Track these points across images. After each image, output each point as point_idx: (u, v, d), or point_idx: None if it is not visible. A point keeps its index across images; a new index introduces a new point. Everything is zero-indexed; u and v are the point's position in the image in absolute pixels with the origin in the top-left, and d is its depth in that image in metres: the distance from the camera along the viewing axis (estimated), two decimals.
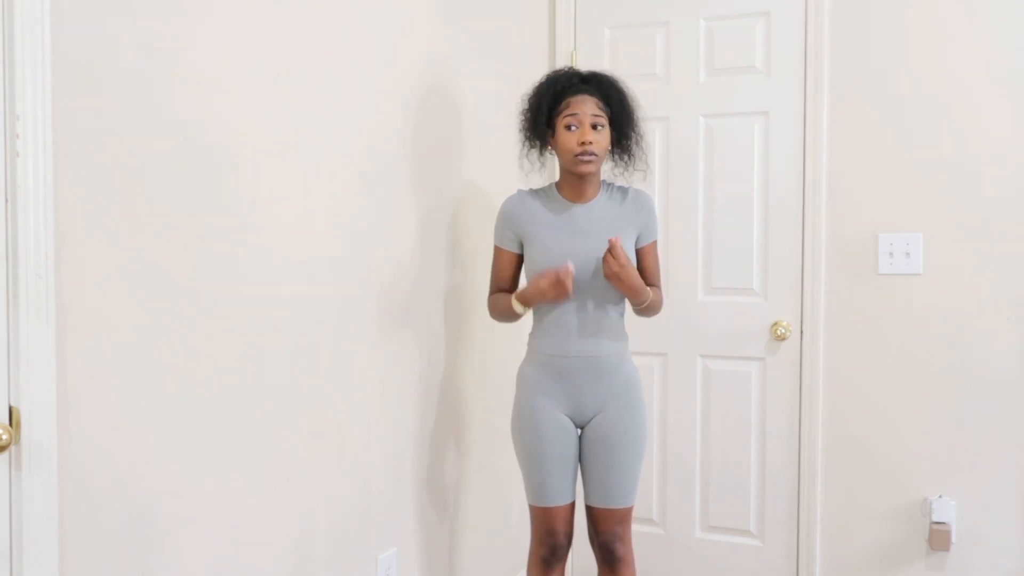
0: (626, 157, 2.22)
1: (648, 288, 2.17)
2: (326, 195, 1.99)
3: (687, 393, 2.98)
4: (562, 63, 3.03)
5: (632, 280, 2.09)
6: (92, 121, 1.42)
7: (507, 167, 2.56)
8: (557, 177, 2.27)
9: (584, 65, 2.29)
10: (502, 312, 2.24)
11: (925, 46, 2.66)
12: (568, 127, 2.11)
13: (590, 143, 2.09)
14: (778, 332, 2.82)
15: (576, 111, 2.11)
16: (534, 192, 2.25)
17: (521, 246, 2.23)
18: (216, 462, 1.69)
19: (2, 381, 1.31)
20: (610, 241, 2.04)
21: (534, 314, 2.23)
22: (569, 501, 2.20)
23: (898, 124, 2.69)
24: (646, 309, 2.22)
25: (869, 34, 2.72)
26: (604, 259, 2.06)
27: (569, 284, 2.02)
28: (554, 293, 2.05)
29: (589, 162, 2.11)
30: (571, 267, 2.02)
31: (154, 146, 1.54)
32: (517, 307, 2.16)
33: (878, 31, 2.71)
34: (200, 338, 1.64)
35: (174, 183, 1.58)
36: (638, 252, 2.22)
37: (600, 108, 2.12)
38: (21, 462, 1.32)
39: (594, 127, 2.11)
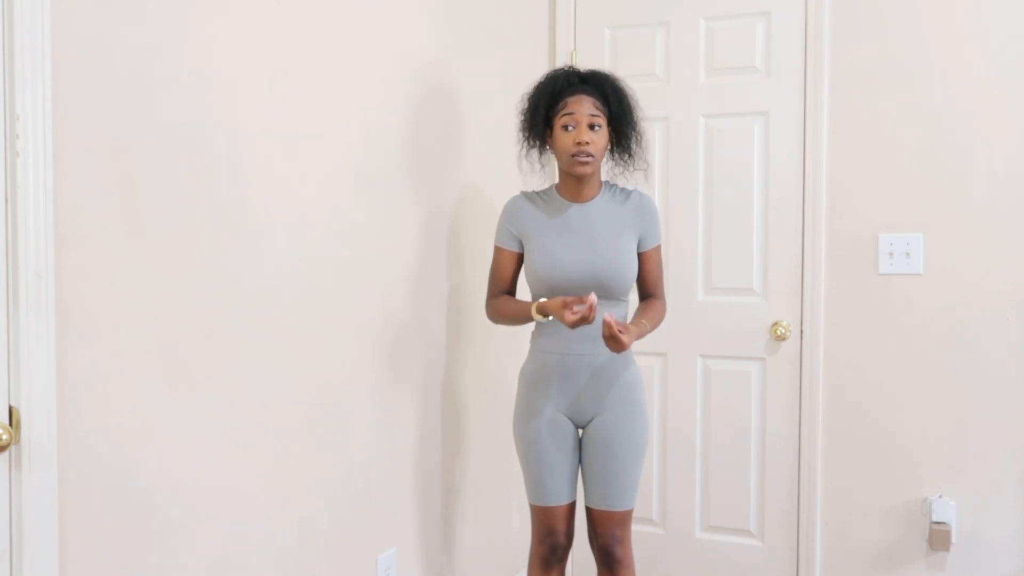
0: (626, 157, 2.21)
1: (644, 323, 2.14)
2: (325, 195, 1.99)
3: (687, 393, 2.98)
4: (562, 63, 3.03)
5: (636, 339, 2.06)
6: (92, 121, 1.42)
7: (507, 167, 2.56)
8: (557, 179, 2.27)
9: (584, 65, 2.29)
10: (507, 315, 2.22)
11: (925, 46, 2.66)
12: (565, 127, 2.11)
13: (587, 143, 2.08)
14: (778, 332, 2.82)
15: (573, 111, 2.10)
16: (535, 193, 2.25)
17: (521, 246, 2.23)
18: (216, 462, 1.69)
19: (2, 381, 1.31)
20: (605, 325, 1.94)
21: None
22: (569, 501, 2.20)
23: (898, 124, 2.69)
24: (651, 332, 2.21)
25: (869, 34, 2.72)
26: (607, 343, 1.98)
27: (593, 315, 1.94)
28: (572, 322, 1.94)
29: (585, 163, 2.10)
30: (594, 298, 1.93)
31: (154, 146, 1.54)
32: (538, 317, 2.11)
33: (878, 31, 2.71)
34: (200, 338, 1.64)
35: (174, 183, 1.58)
36: (641, 257, 2.20)
37: (598, 108, 2.11)
38: (21, 462, 1.32)
39: (592, 127, 2.10)
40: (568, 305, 1.98)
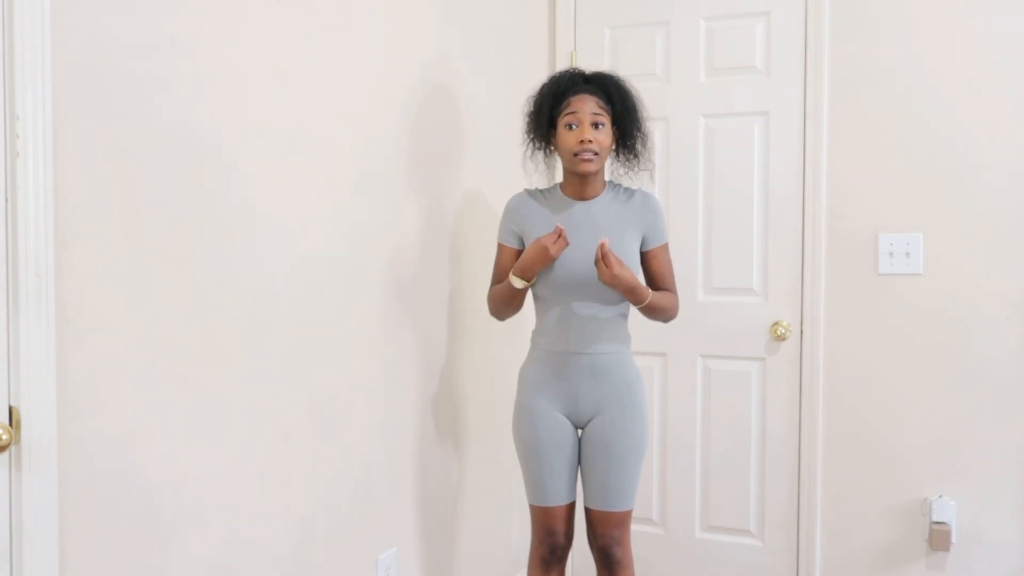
0: (630, 156, 2.20)
1: (648, 288, 2.13)
2: (326, 195, 1.99)
3: (687, 393, 2.98)
4: (562, 63, 3.03)
5: (627, 282, 2.05)
6: (92, 121, 1.42)
7: (507, 166, 2.56)
8: (561, 178, 2.27)
9: (584, 65, 2.29)
10: (501, 298, 2.22)
11: (925, 46, 2.66)
12: (568, 126, 2.11)
13: (590, 141, 2.08)
14: (778, 332, 2.82)
15: (576, 109, 2.10)
16: (539, 191, 2.25)
17: (523, 243, 2.23)
18: (216, 462, 1.69)
19: (2, 381, 1.31)
20: (600, 245, 2.00)
21: (536, 312, 2.23)
22: (568, 501, 2.20)
23: (898, 124, 2.69)
24: (652, 311, 2.16)
25: (869, 34, 2.72)
26: (596, 265, 2.02)
27: (564, 237, 2.05)
28: (556, 249, 2.05)
29: (589, 160, 2.10)
30: (560, 226, 2.05)
31: (154, 146, 1.54)
32: (516, 282, 2.12)
33: (878, 31, 2.71)
34: (200, 337, 1.64)
35: (174, 183, 1.58)
36: (646, 256, 2.20)
37: (601, 107, 2.11)
38: (21, 462, 1.32)
39: (595, 126, 2.10)
40: (541, 239, 2.06)
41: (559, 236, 2.05)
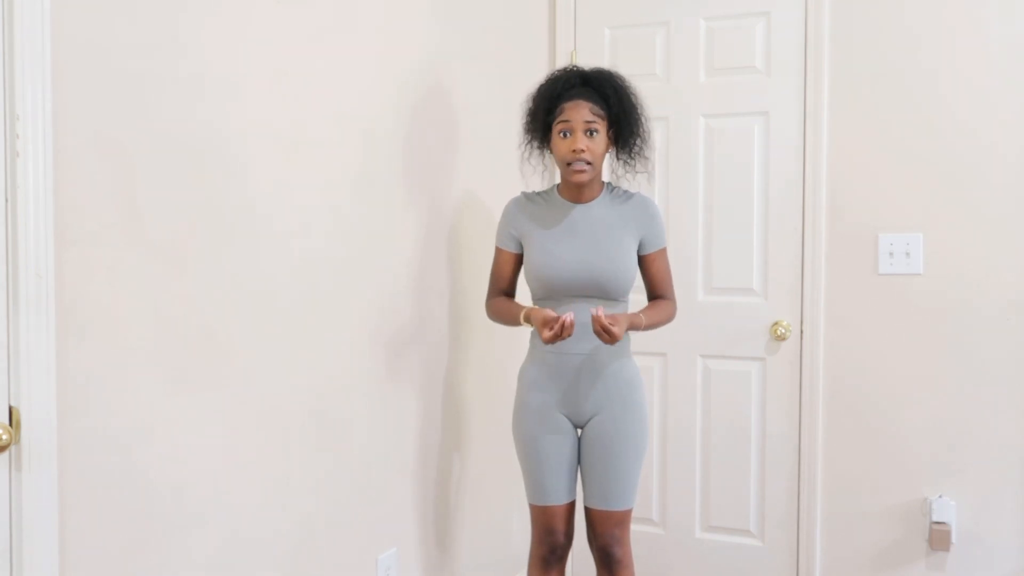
0: (629, 158, 2.19)
1: (640, 315, 2.12)
2: (325, 195, 1.99)
3: (687, 393, 2.98)
4: (562, 63, 3.03)
5: (631, 327, 2.06)
6: (92, 121, 1.43)
7: (506, 167, 2.56)
8: (559, 179, 2.26)
9: (587, 64, 2.27)
10: (503, 317, 2.24)
11: (925, 46, 2.66)
12: (562, 134, 2.10)
13: (582, 151, 2.07)
14: (778, 332, 2.82)
15: (569, 118, 2.08)
16: (536, 194, 2.25)
17: (521, 247, 2.22)
18: (216, 462, 1.69)
19: (2, 381, 1.31)
20: (595, 320, 1.95)
21: None
22: (568, 500, 2.20)
23: (898, 124, 2.69)
24: (650, 328, 2.17)
25: (869, 34, 2.72)
26: (598, 336, 1.99)
27: (568, 334, 1.97)
28: (552, 340, 1.98)
29: (581, 171, 2.09)
30: (571, 318, 1.96)
31: (154, 146, 1.54)
32: (524, 323, 2.13)
33: (878, 31, 2.71)
34: (200, 338, 1.64)
35: (174, 183, 1.58)
36: (644, 260, 2.20)
37: (595, 112, 2.09)
38: (21, 462, 1.32)
39: (589, 133, 2.08)
40: (548, 323, 1.99)
41: (556, 335, 1.96)
